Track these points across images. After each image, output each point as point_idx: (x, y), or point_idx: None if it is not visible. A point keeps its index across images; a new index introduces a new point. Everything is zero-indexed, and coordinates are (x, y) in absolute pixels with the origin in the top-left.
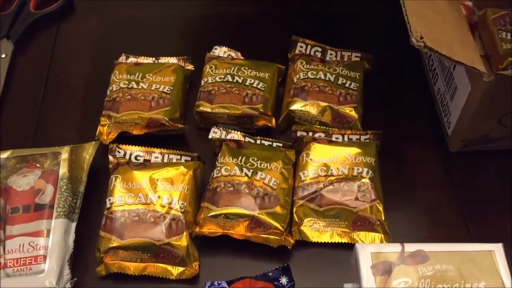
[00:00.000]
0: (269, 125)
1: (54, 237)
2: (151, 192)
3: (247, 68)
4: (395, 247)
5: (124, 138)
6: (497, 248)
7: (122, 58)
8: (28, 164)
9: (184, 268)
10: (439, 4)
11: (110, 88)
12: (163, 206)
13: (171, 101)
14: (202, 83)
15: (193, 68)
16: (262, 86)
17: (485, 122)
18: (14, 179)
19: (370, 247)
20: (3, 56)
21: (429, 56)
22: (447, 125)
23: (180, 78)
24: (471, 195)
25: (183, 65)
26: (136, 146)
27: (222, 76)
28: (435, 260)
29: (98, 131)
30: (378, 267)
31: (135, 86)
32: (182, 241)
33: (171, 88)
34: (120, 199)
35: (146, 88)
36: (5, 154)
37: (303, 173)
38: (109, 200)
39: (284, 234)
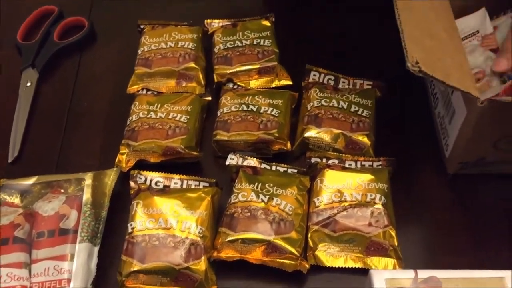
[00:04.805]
0: (285, 148)
1: (78, 261)
2: (171, 217)
3: (261, 97)
4: (409, 274)
5: (143, 165)
6: (507, 275)
7: (142, 91)
8: (53, 189)
9: None
10: (437, 32)
11: (130, 118)
12: (183, 231)
13: (187, 129)
14: (219, 114)
15: (210, 98)
16: (276, 112)
17: (480, 146)
18: (40, 205)
19: (384, 273)
20: (28, 84)
21: (432, 81)
22: (445, 148)
23: (197, 108)
24: (480, 219)
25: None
26: (156, 172)
27: (237, 106)
28: (448, 286)
29: (117, 159)
30: None
31: (153, 116)
32: (201, 265)
33: (188, 117)
34: (141, 224)
35: (164, 118)
36: (31, 180)
37: (317, 199)
38: (131, 225)
39: (300, 258)
